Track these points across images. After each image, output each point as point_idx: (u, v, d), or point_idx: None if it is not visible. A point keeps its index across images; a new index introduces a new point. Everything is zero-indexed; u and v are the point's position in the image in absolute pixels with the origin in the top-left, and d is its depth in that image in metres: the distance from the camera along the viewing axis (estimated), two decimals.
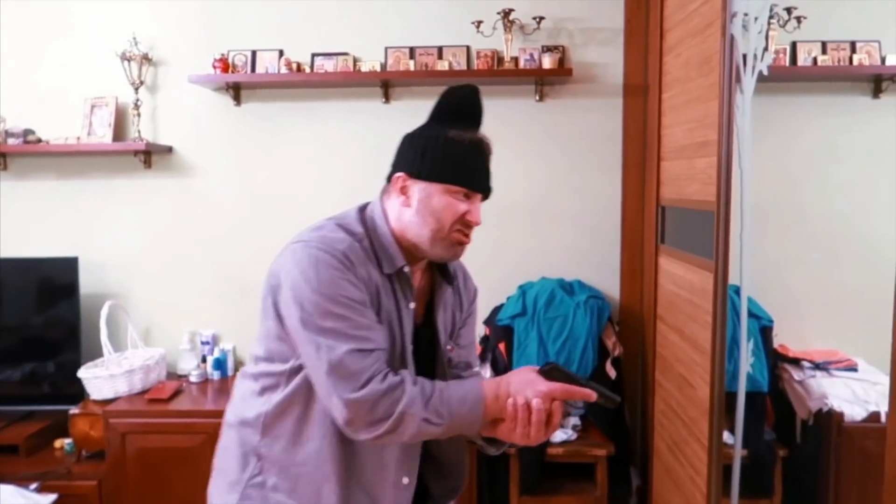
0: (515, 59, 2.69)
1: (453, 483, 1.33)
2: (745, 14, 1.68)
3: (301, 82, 2.76)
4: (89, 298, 2.76)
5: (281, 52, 2.77)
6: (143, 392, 2.58)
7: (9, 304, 2.74)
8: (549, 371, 1.11)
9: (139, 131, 2.78)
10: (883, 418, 2.23)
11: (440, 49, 2.75)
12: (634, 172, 2.74)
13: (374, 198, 1.27)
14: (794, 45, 2.65)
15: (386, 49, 2.76)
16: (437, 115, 1.21)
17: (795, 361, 2.51)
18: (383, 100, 2.78)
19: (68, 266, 2.70)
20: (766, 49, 1.64)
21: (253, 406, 1.20)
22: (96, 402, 2.56)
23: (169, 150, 2.86)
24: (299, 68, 2.73)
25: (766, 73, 1.64)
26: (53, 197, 2.89)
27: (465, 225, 1.18)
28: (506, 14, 2.62)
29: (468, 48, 2.75)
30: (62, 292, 2.71)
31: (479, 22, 2.64)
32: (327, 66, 2.74)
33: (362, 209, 1.25)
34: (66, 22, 2.83)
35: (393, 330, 1.18)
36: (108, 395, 2.56)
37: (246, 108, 2.84)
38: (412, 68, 2.71)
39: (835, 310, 2.71)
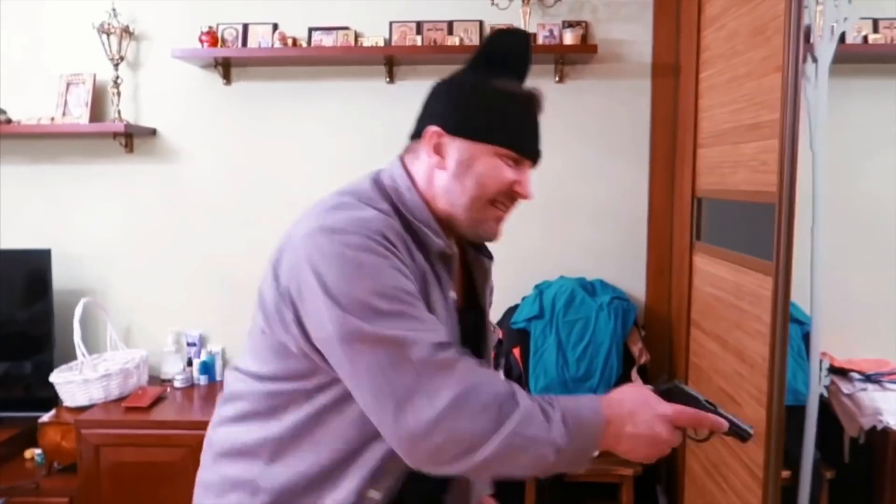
0: (534, 36, 2.45)
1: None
2: None
3: (297, 59, 2.54)
4: (64, 295, 2.54)
5: (275, 26, 2.56)
6: (122, 399, 2.36)
7: None
8: (670, 390, 0.90)
9: (119, 112, 2.56)
10: None
11: (450, 24, 2.52)
12: (664, 161, 2.50)
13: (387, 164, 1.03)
14: (835, 23, 2.40)
15: (390, 23, 2.54)
16: (482, 60, 0.99)
17: (843, 372, 2.27)
18: (387, 79, 2.55)
19: (41, 259, 2.49)
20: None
21: (252, 430, 0.96)
22: (70, 409, 2.35)
23: (152, 132, 2.64)
24: (295, 43, 2.52)
25: (847, 36, 1.38)
26: (25, 183, 2.68)
27: (509, 198, 0.98)
28: None
29: (481, 23, 2.52)
30: (34, 288, 2.50)
31: None
32: (326, 41, 2.53)
33: (376, 179, 0.99)
34: None
35: (445, 323, 0.95)
36: (82, 401, 2.34)
37: (236, 87, 2.62)
38: (419, 44, 2.49)
39: (884, 315, 2.46)
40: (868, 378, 2.23)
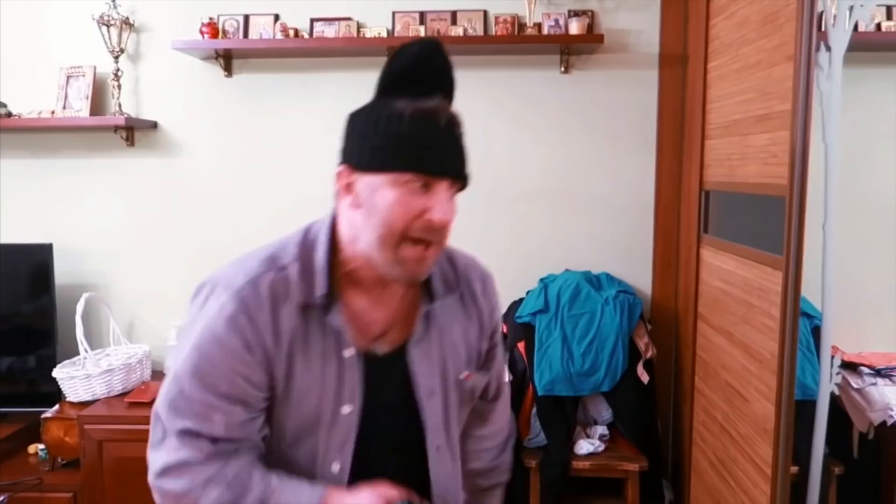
0: (538, 25, 2.41)
1: None
2: None
3: (298, 50, 2.50)
4: (66, 290, 2.52)
5: (276, 17, 2.52)
6: (125, 394, 2.35)
7: None
8: None
9: (120, 105, 2.53)
10: None
11: (454, 13, 2.48)
12: (671, 153, 2.46)
13: None
14: (850, 10, 2.34)
15: (393, 14, 2.49)
16: (385, 82, 0.92)
17: (852, 367, 2.24)
18: None
19: (42, 253, 2.47)
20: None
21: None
22: (73, 404, 2.33)
23: (153, 125, 2.61)
24: (297, 34, 2.48)
25: (860, 24, 1.34)
26: (26, 177, 2.66)
27: (427, 230, 0.88)
28: None
29: (485, 12, 2.48)
30: (36, 283, 2.48)
31: None
32: (328, 32, 2.49)
33: (308, 228, 0.99)
34: None
35: (317, 388, 0.94)
36: (85, 397, 2.32)
37: (238, 79, 2.58)
38: (422, 35, 2.43)
39: (893, 309, 2.43)
40: (878, 372, 2.19)
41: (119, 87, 2.52)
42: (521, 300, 2.45)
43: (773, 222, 1.54)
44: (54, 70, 2.57)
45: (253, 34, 2.51)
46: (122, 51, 2.52)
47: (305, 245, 0.96)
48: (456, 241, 1.01)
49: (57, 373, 2.34)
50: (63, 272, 2.53)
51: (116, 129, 2.56)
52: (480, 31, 2.46)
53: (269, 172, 2.60)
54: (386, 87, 0.92)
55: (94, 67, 2.55)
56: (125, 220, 2.65)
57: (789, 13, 1.49)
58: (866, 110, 2.36)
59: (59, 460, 2.32)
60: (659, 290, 2.52)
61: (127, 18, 2.51)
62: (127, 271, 2.65)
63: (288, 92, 2.57)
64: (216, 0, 2.52)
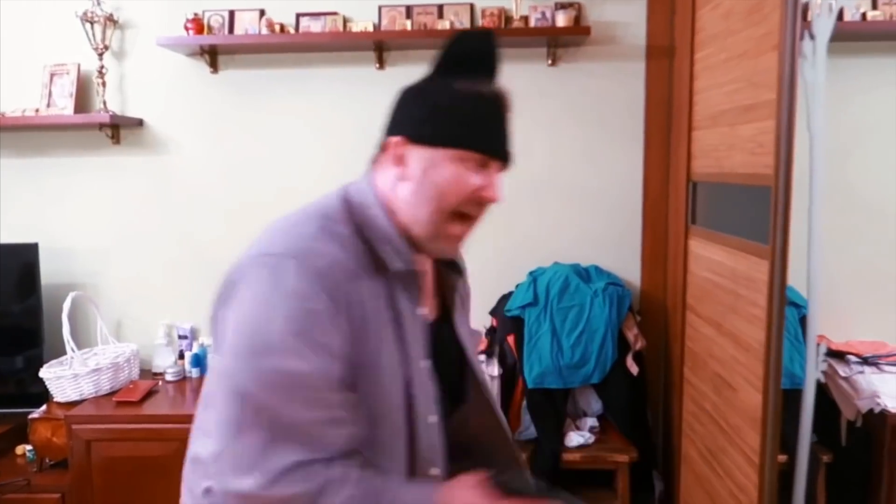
0: (525, 18, 2.41)
1: None
2: None
3: (285, 45, 2.49)
4: (52, 289, 2.50)
5: (262, 12, 2.51)
6: (113, 393, 2.33)
7: None
8: (504, 482, 0.92)
9: (105, 102, 2.51)
10: None
11: (440, 7, 2.47)
12: (659, 144, 2.47)
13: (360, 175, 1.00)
14: None
15: (380, 8, 2.49)
16: (444, 64, 0.95)
17: (840, 355, 2.25)
18: (377, 65, 2.50)
19: (28, 253, 2.46)
20: None
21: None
22: (60, 404, 2.31)
23: (139, 123, 2.59)
24: (283, 30, 2.46)
25: (845, 13, 1.34)
26: (10, 176, 2.63)
27: (476, 205, 0.93)
28: None
29: (472, 6, 2.48)
30: (21, 283, 2.47)
31: None
32: (314, 27, 2.48)
33: (345, 195, 0.96)
34: None
35: (393, 353, 0.91)
36: (73, 396, 2.30)
37: (224, 75, 2.57)
38: (409, 28, 2.44)
39: (881, 298, 2.44)
40: (865, 361, 2.20)
41: (104, 84, 2.50)
42: (510, 293, 2.45)
43: (760, 212, 1.55)
44: (38, 68, 2.54)
45: (238, 29, 2.50)
46: (106, 48, 2.50)
47: (355, 213, 0.93)
48: None
49: (44, 373, 2.32)
50: (50, 271, 2.51)
51: (102, 126, 2.54)
52: (467, 25, 2.45)
53: (257, 169, 2.58)
54: (444, 68, 0.95)
55: (79, 65, 2.53)
56: (112, 218, 2.63)
57: (774, 2, 1.49)
58: (852, 100, 2.37)
59: (47, 461, 2.30)
60: (647, 282, 2.53)
61: (111, 15, 2.49)
62: (114, 270, 2.64)
63: (275, 87, 2.55)
64: None
